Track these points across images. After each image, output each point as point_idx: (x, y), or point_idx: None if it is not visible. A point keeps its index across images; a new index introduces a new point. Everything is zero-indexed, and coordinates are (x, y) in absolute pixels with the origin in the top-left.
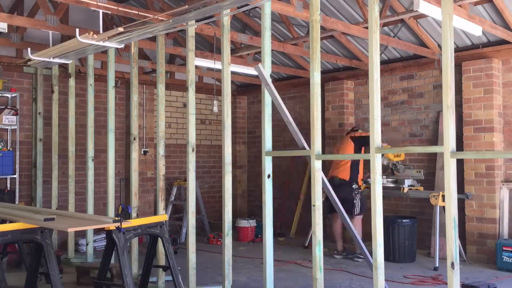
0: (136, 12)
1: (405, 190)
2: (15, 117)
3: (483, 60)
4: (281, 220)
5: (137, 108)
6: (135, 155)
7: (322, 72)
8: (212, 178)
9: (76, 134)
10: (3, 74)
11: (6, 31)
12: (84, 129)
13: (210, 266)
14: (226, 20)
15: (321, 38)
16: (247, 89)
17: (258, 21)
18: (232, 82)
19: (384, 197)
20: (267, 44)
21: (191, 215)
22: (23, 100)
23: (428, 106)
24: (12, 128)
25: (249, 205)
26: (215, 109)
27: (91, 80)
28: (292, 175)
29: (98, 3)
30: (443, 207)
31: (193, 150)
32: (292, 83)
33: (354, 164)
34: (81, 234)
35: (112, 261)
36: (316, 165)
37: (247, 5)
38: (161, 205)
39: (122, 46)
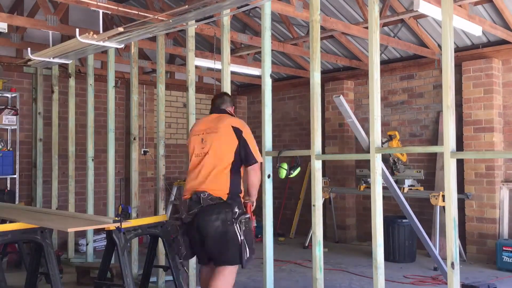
0: (136, 12)
1: (405, 190)
2: (15, 117)
3: (483, 60)
4: (281, 220)
5: (137, 108)
6: (135, 155)
7: (322, 72)
8: None
9: (76, 134)
10: (3, 74)
11: (6, 31)
12: (84, 129)
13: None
14: (226, 20)
15: (321, 38)
16: (247, 89)
17: (258, 21)
18: (232, 82)
19: (384, 197)
20: (267, 44)
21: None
22: (23, 100)
23: (428, 106)
24: (12, 128)
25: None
26: None
27: (91, 80)
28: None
29: (98, 3)
30: (443, 207)
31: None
32: (292, 83)
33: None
34: (81, 234)
35: (112, 261)
36: (316, 165)
37: (247, 5)
38: (161, 205)
39: (122, 46)
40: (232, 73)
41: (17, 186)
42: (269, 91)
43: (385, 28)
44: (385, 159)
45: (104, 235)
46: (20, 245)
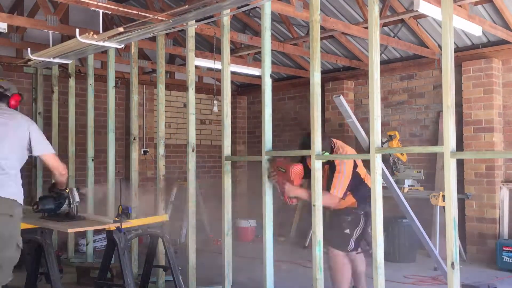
0: (136, 12)
1: (405, 190)
2: None
3: (483, 60)
4: (281, 220)
5: (137, 108)
6: (135, 155)
7: (322, 72)
8: (212, 178)
9: (76, 134)
10: (3, 74)
11: (6, 31)
12: (84, 129)
13: (210, 266)
14: (226, 20)
15: (321, 38)
16: (247, 89)
17: (258, 21)
18: (232, 82)
19: (384, 197)
20: (267, 44)
21: (191, 215)
22: (23, 100)
23: (428, 106)
24: None
25: (249, 205)
26: (215, 109)
27: (91, 80)
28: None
29: (98, 3)
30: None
31: (193, 150)
32: (292, 83)
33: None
34: (81, 234)
35: (112, 261)
36: (316, 165)
37: (247, 5)
38: (161, 205)
39: (122, 46)
40: (232, 73)
41: None
42: (269, 91)
43: (385, 28)
44: (385, 159)
45: (104, 235)
46: None
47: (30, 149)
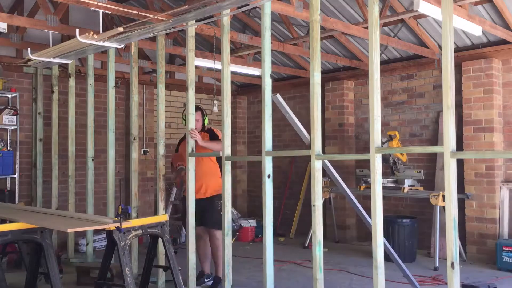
0: (136, 12)
1: (405, 190)
2: (15, 117)
3: (483, 60)
4: (281, 220)
5: (137, 108)
6: (135, 155)
7: (322, 72)
8: None
9: (76, 134)
10: (3, 74)
11: (6, 31)
12: (84, 129)
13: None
14: (226, 20)
15: (321, 38)
16: (247, 89)
17: (258, 21)
18: (232, 82)
19: (384, 197)
20: (267, 44)
21: (191, 215)
22: (23, 100)
23: (428, 106)
24: (12, 128)
25: (249, 205)
26: (215, 109)
27: (91, 80)
28: (292, 175)
29: (98, 3)
30: (443, 207)
31: (193, 150)
32: (292, 83)
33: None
34: (81, 234)
35: (112, 261)
36: (316, 165)
37: (247, 5)
38: (161, 205)
39: (122, 46)
40: (232, 73)
41: (17, 186)
42: (269, 91)
43: (385, 28)
44: (385, 159)
45: (104, 235)
46: (20, 245)
47: None
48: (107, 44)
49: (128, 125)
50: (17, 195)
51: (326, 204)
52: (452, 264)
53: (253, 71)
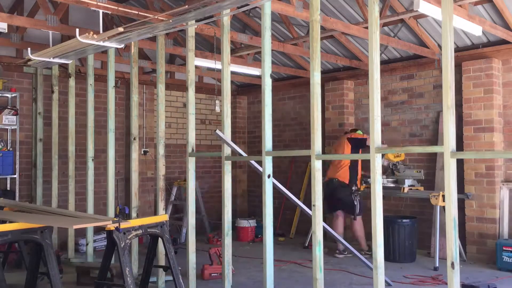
0: (136, 12)
1: (405, 190)
2: (15, 117)
3: (483, 60)
4: (281, 220)
5: (137, 108)
6: (135, 155)
7: (322, 72)
8: (212, 178)
9: (76, 134)
10: (3, 74)
11: (6, 31)
12: (84, 129)
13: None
14: (226, 20)
15: (321, 38)
16: (247, 89)
17: (258, 21)
18: (232, 82)
19: (384, 197)
20: (267, 44)
21: (191, 215)
22: (23, 100)
23: (428, 106)
24: (12, 128)
25: (249, 205)
26: (217, 108)
27: (91, 80)
28: (292, 175)
29: (98, 3)
30: (443, 207)
31: (193, 150)
32: (292, 83)
33: (353, 165)
34: (81, 234)
35: (112, 261)
36: (316, 165)
37: (247, 5)
38: (161, 205)
39: (122, 46)
40: (232, 73)
41: (17, 186)
42: (269, 91)
43: (385, 28)
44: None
45: (104, 235)
46: (20, 245)
47: None
48: (107, 44)
49: (128, 125)
50: (17, 195)
51: None
52: (452, 264)
53: (253, 71)
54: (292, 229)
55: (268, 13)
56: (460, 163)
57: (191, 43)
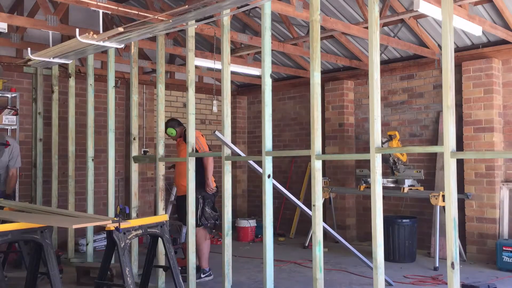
0: (136, 12)
1: (405, 190)
2: (15, 117)
3: (483, 60)
4: (281, 220)
5: (137, 108)
6: (135, 155)
7: (322, 72)
8: None
9: (76, 134)
10: (3, 74)
11: (6, 31)
12: (84, 129)
13: (210, 266)
14: (226, 20)
15: (321, 38)
16: (247, 89)
17: (258, 21)
18: (232, 82)
19: (384, 197)
20: (267, 44)
21: (190, 215)
22: (23, 100)
23: (428, 106)
24: (12, 128)
25: (249, 205)
26: (215, 109)
27: (91, 80)
28: (292, 175)
29: (98, 3)
30: (443, 207)
31: (193, 150)
32: (292, 83)
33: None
34: (81, 234)
35: (112, 261)
36: (316, 165)
37: (247, 5)
38: (161, 205)
39: (122, 46)
40: (232, 73)
41: (17, 186)
42: (269, 91)
43: (385, 28)
44: (385, 159)
45: (104, 235)
46: (20, 245)
47: None
48: (107, 44)
49: (128, 125)
50: (17, 195)
51: (326, 204)
52: (452, 264)
53: (253, 71)
54: (292, 229)
55: (268, 13)
56: (460, 163)
57: (191, 43)
